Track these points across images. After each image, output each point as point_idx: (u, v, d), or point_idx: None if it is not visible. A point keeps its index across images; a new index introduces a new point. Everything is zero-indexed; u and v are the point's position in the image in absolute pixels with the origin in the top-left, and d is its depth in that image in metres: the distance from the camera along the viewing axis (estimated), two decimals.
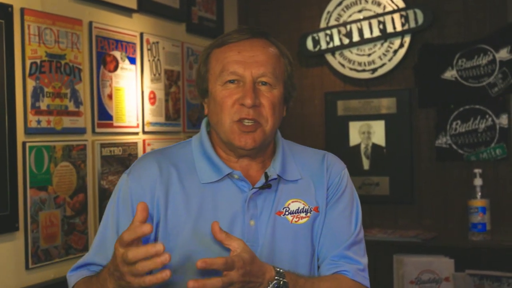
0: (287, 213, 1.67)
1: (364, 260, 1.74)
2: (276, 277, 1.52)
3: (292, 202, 1.70)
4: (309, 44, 4.22)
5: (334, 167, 1.77)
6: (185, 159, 1.71)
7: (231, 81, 1.65)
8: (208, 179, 1.67)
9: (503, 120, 3.81)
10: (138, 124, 3.41)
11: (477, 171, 3.62)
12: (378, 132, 4.12)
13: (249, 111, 1.62)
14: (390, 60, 4.06)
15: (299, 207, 1.69)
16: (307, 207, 1.70)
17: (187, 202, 1.64)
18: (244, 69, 1.64)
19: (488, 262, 3.57)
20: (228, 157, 1.71)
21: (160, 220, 1.63)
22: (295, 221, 1.67)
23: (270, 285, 1.51)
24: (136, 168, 1.70)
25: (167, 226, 1.63)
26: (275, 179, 1.69)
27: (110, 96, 3.19)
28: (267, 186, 1.67)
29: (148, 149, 3.42)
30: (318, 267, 1.72)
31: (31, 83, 2.72)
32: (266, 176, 1.68)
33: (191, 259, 1.58)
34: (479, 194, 3.60)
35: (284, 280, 1.53)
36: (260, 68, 1.64)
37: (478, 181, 3.60)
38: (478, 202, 3.59)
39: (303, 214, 1.69)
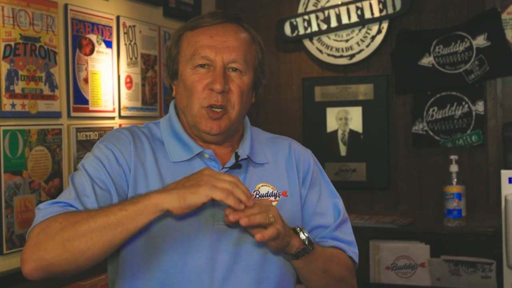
0: (257, 196, 1.69)
1: (352, 238, 1.80)
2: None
3: (262, 186, 1.72)
4: (287, 29, 4.20)
5: (301, 152, 1.82)
6: (156, 138, 1.71)
7: (202, 66, 1.65)
8: (179, 157, 1.67)
9: (479, 107, 3.83)
10: (114, 109, 3.37)
11: (453, 157, 3.64)
12: (355, 118, 4.13)
13: (218, 97, 1.63)
14: (367, 46, 4.06)
15: (268, 191, 1.72)
16: (275, 191, 1.72)
17: (160, 177, 1.63)
18: (216, 54, 1.64)
19: (463, 248, 3.61)
20: (196, 139, 1.71)
21: (129, 189, 1.61)
22: None
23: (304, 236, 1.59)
24: (110, 138, 1.67)
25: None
26: (245, 159, 1.71)
27: (86, 80, 3.15)
28: (237, 166, 1.69)
29: None
30: None
31: (5, 66, 2.67)
32: (237, 156, 1.69)
33: (165, 233, 1.60)
34: (455, 180, 3.61)
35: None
36: (232, 54, 1.65)
37: (454, 168, 3.62)
38: (454, 188, 3.61)
39: (272, 198, 1.71)
